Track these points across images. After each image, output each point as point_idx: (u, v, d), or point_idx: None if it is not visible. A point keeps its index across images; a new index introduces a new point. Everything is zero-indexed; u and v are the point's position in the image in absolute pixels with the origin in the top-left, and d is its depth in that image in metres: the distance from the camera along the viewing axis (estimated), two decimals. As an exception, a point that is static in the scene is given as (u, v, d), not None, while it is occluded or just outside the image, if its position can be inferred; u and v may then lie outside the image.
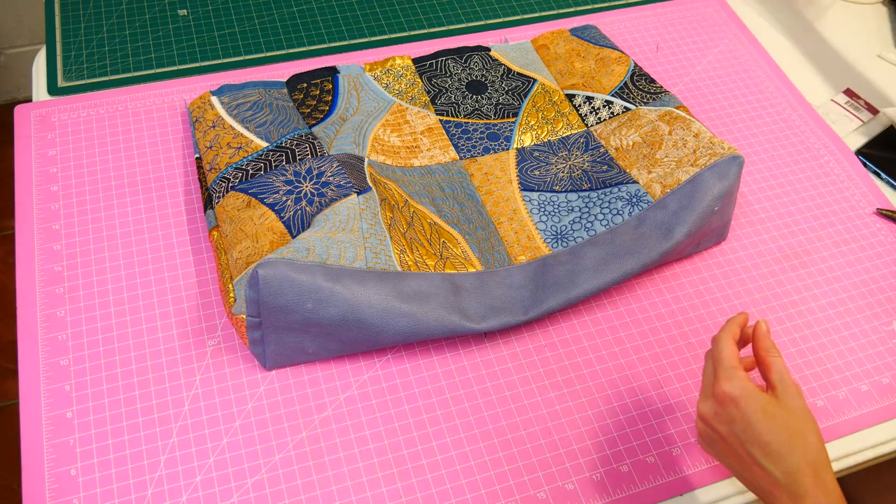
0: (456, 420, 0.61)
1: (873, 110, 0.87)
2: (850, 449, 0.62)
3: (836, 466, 0.61)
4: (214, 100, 0.76)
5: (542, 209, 0.71)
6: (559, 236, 0.69)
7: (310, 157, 0.70)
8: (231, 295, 0.62)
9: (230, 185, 0.68)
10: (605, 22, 0.93)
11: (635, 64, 0.82)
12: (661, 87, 0.80)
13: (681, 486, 0.59)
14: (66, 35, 0.86)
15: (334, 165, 0.68)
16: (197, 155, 0.73)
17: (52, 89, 0.80)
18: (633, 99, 0.78)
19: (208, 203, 0.69)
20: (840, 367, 0.66)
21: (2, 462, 1.21)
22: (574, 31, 0.88)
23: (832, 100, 0.88)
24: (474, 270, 0.66)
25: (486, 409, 0.61)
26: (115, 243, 0.68)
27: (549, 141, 0.77)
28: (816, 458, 0.48)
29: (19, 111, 0.77)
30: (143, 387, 0.60)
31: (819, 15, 1.00)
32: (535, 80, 0.82)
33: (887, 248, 0.75)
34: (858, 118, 0.86)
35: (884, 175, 0.81)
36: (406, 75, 0.82)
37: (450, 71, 0.82)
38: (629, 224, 0.68)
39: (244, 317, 0.59)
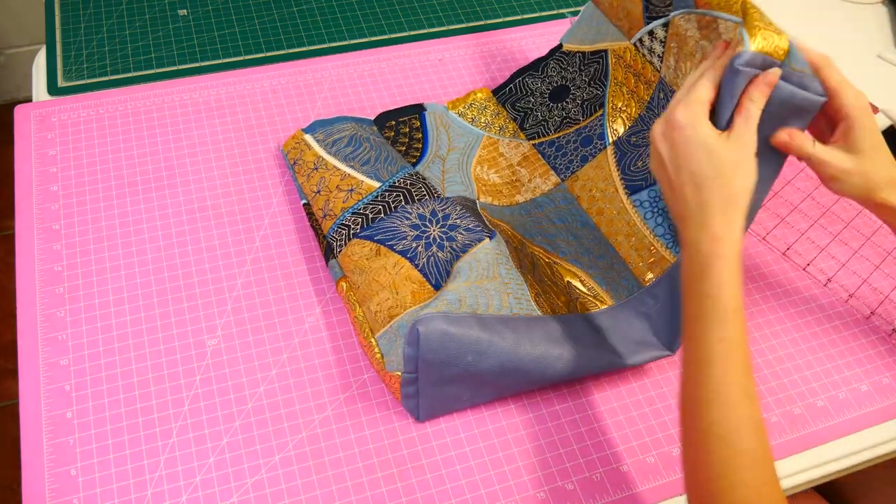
0: (456, 420, 0.61)
1: (873, 110, 0.87)
2: (850, 449, 0.62)
3: (836, 467, 0.61)
4: (308, 138, 0.73)
5: (654, 208, 0.67)
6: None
7: (427, 197, 0.67)
8: (376, 350, 0.60)
9: (351, 231, 0.66)
10: (605, 22, 0.93)
11: None
12: None
13: (681, 486, 0.59)
14: (66, 35, 0.86)
15: (458, 209, 0.66)
16: (304, 201, 0.71)
17: (52, 89, 0.80)
18: (659, 10, 0.68)
19: (329, 253, 0.67)
20: (840, 367, 0.66)
21: (2, 462, 1.21)
22: None
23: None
24: (606, 307, 0.64)
25: (487, 408, 0.61)
26: (115, 243, 0.68)
27: (640, 116, 0.72)
28: (731, 199, 0.50)
29: (19, 111, 0.77)
30: (143, 387, 0.60)
31: (819, 15, 1.00)
32: (605, 52, 0.76)
33: (886, 247, 0.75)
34: (858, 118, 0.86)
35: (884, 175, 0.81)
36: (489, 107, 0.80)
37: (529, 89, 0.80)
38: None
39: (399, 374, 0.58)
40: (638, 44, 0.72)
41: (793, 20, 0.99)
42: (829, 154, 0.54)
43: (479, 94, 0.82)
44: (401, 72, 0.85)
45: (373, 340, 0.61)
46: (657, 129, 0.54)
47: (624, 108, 0.73)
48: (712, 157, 0.50)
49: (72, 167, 0.73)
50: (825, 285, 0.71)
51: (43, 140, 0.75)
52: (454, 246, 0.63)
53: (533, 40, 0.90)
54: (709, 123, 0.52)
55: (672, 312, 0.62)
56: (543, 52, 0.89)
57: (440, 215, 0.66)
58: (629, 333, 0.62)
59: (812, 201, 0.78)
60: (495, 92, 0.82)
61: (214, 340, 0.63)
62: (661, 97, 0.70)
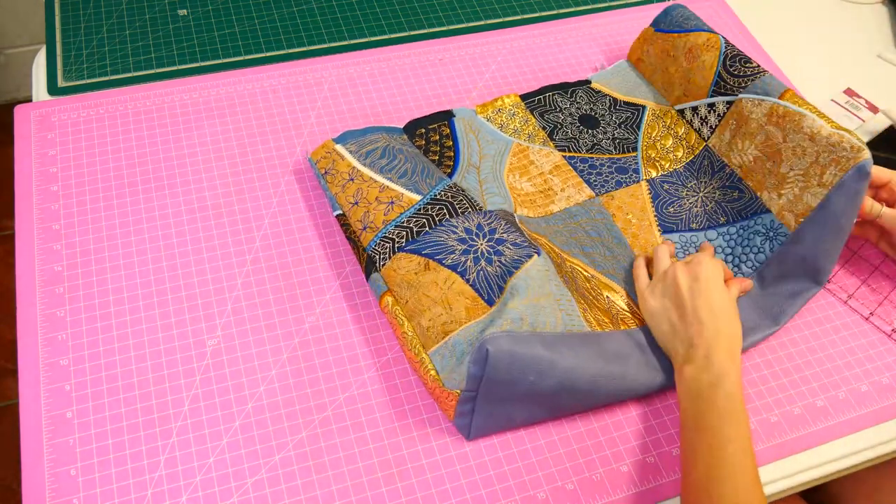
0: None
1: (874, 110, 0.87)
2: (851, 449, 0.62)
3: (836, 467, 0.61)
4: (340, 148, 0.72)
5: (686, 252, 0.70)
6: None
7: (471, 210, 0.66)
8: (429, 367, 0.59)
9: (395, 245, 0.65)
10: (604, 22, 0.93)
11: (725, 42, 0.77)
12: (758, 65, 0.74)
13: (680, 486, 0.59)
14: (66, 35, 0.86)
15: (502, 223, 0.66)
16: (338, 212, 0.69)
17: (52, 89, 0.80)
18: (730, 90, 0.73)
19: (371, 266, 0.66)
20: (840, 367, 0.66)
21: (2, 462, 1.21)
22: (657, 25, 0.83)
23: (832, 99, 0.88)
24: (642, 326, 0.65)
25: (486, 409, 0.61)
26: (115, 243, 0.68)
27: (676, 171, 0.75)
28: (735, 336, 0.60)
29: (19, 111, 0.77)
30: (143, 387, 0.60)
31: (819, 15, 1.00)
32: (643, 108, 0.80)
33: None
34: (859, 118, 0.86)
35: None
36: (518, 113, 0.80)
37: (558, 105, 0.81)
38: (774, 268, 0.68)
39: (458, 392, 0.57)
40: (687, 111, 0.78)
41: (793, 20, 0.99)
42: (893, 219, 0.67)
43: (508, 100, 0.81)
44: (401, 72, 0.85)
45: (425, 356, 0.60)
46: (681, 271, 0.63)
47: (658, 160, 0.77)
48: (726, 300, 0.61)
49: (72, 167, 0.73)
50: (825, 287, 0.71)
51: (43, 140, 0.75)
52: (503, 261, 0.62)
53: (533, 40, 0.90)
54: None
55: None
56: (544, 51, 0.89)
57: (486, 229, 0.65)
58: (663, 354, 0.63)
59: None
60: (524, 98, 0.82)
61: (214, 340, 0.63)
62: (704, 163, 0.75)
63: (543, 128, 0.79)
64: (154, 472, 0.56)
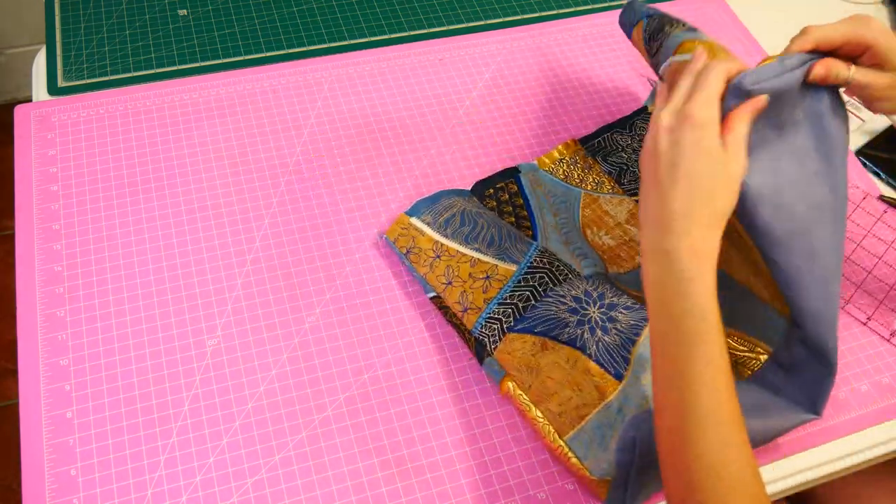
0: (456, 420, 0.61)
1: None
2: (850, 449, 0.62)
3: (837, 467, 0.61)
4: (416, 222, 0.68)
5: None
6: None
7: (571, 276, 0.63)
8: (570, 455, 0.57)
9: (504, 325, 0.62)
10: (604, 22, 0.93)
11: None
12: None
13: (681, 486, 0.59)
14: (66, 35, 0.86)
15: (608, 286, 0.63)
16: (431, 294, 0.66)
17: (52, 89, 0.80)
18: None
19: (482, 350, 0.62)
20: (840, 367, 0.66)
21: (2, 462, 1.21)
22: (625, 27, 0.74)
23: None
24: (766, 357, 0.60)
25: (486, 408, 0.61)
26: (115, 243, 0.68)
27: None
28: (717, 215, 0.47)
29: (19, 111, 0.77)
30: (143, 387, 0.60)
31: (819, 15, 1.00)
32: None
33: (887, 248, 0.75)
34: (859, 117, 0.86)
35: (884, 175, 0.81)
36: (579, 161, 0.76)
37: (619, 144, 0.76)
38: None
39: (608, 479, 0.55)
40: None
41: (792, 20, 0.99)
42: (868, 75, 0.52)
43: (565, 149, 0.77)
44: (401, 72, 0.85)
45: (563, 444, 0.57)
46: (665, 119, 0.49)
47: None
48: (716, 167, 0.47)
49: (72, 167, 0.73)
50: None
51: (43, 140, 0.75)
52: (619, 328, 0.59)
53: (533, 40, 0.90)
54: (719, 130, 0.48)
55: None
56: (544, 51, 0.89)
57: (595, 295, 0.62)
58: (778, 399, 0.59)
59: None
60: (583, 142, 0.78)
61: (214, 340, 0.63)
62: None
63: (609, 173, 0.75)
64: (154, 472, 0.56)
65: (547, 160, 0.77)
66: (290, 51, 0.87)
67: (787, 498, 0.72)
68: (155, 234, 0.69)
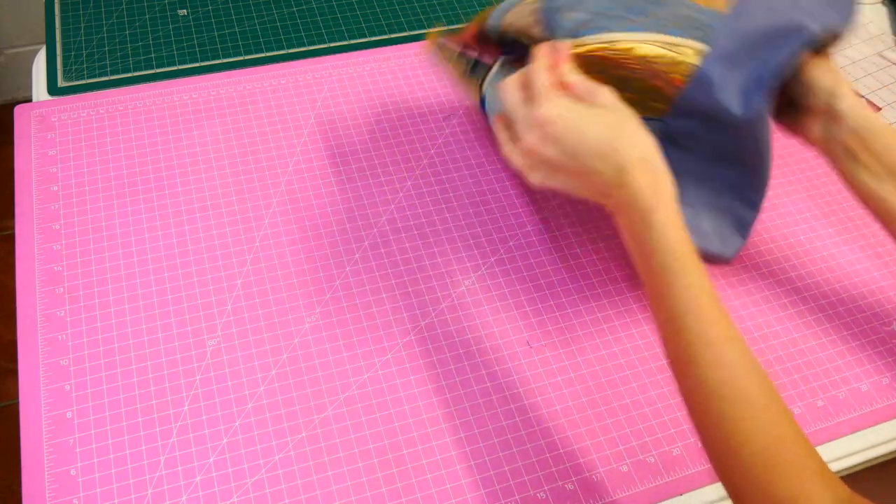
0: (456, 420, 0.61)
1: (875, 108, 0.87)
2: (851, 449, 0.62)
3: (836, 466, 0.61)
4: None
5: None
6: None
7: None
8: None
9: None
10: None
11: None
12: None
13: (681, 486, 0.59)
14: (66, 35, 0.86)
15: None
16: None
17: (52, 89, 0.80)
18: None
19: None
20: (840, 367, 0.66)
21: (2, 462, 1.21)
22: None
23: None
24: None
25: (486, 409, 0.61)
26: (115, 243, 0.68)
27: None
28: (646, 152, 0.50)
29: (19, 111, 0.77)
30: (143, 387, 0.60)
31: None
32: None
33: (887, 247, 0.75)
34: (858, 118, 0.86)
35: (884, 175, 0.81)
36: None
37: None
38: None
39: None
40: None
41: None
42: None
43: None
44: (401, 72, 0.85)
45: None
46: (532, 140, 0.51)
47: None
48: (600, 125, 0.50)
49: (72, 167, 0.73)
50: (825, 285, 0.71)
51: (43, 140, 0.75)
52: None
53: (533, 40, 0.90)
54: (573, 101, 0.51)
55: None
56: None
57: None
58: None
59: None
60: None
61: (214, 340, 0.63)
62: None
63: None
64: (154, 472, 0.56)
65: None
66: (290, 51, 0.87)
67: None
68: (155, 234, 0.69)
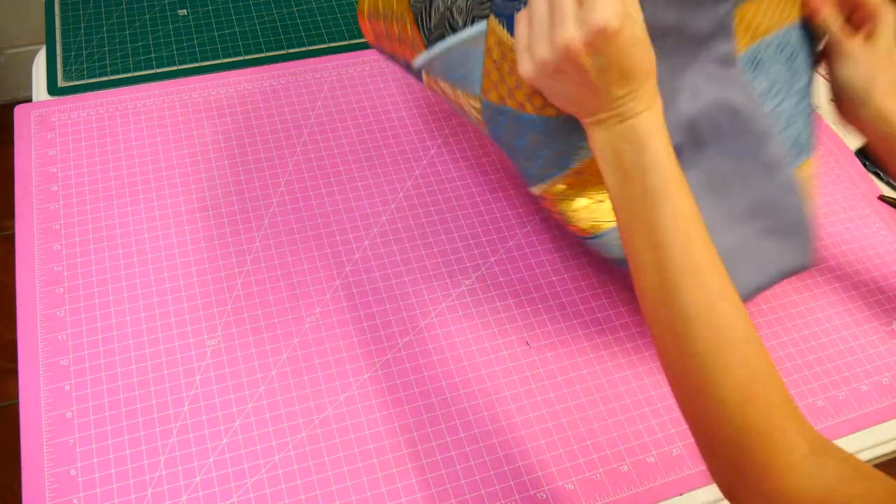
0: (456, 420, 0.61)
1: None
2: (850, 449, 0.62)
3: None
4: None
5: None
6: None
7: None
8: None
9: None
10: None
11: None
12: None
13: (681, 486, 0.59)
14: (66, 35, 0.86)
15: None
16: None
17: (52, 89, 0.80)
18: None
19: None
20: (840, 367, 0.66)
21: (2, 462, 1.21)
22: None
23: (832, 99, 0.88)
24: None
25: (486, 409, 0.61)
26: (115, 243, 0.68)
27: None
28: (657, 92, 0.47)
29: (19, 111, 0.77)
30: (143, 387, 0.60)
31: (819, 15, 1.00)
32: None
33: (887, 248, 0.75)
34: (858, 118, 0.86)
35: (884, 175, 0.81)
36: None
37: None
38: None
39: None
40: None
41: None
42: (847, 35, 0.55)
43: None
44: (401, 72, 0.85)
45: None
46: (576, 38, 0.44)
47: None
48: (648, 53, 0.45)
49: (72, 167, 0.73)
50: (825, 285, 0.71)
51: (43, 140, 0.75)
52: None
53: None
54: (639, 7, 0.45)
55: None
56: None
57: None
58: None
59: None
60: None
61: (214, 340, 0.63)
62: None
63: None
64: (154, 472, 0.56)
65: None
66: (290, 51, 0.87)
67: None
68: (155, 234, 0.69)
